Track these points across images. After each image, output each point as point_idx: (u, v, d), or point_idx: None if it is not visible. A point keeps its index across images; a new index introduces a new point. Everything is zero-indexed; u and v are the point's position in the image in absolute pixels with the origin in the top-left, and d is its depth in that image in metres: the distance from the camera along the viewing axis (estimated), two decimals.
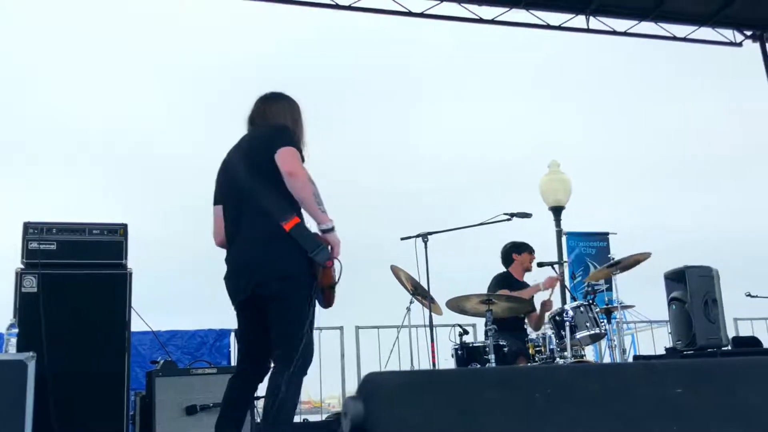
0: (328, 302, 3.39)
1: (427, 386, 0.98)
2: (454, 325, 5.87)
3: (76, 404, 4.36)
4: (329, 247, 3.25)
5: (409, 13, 8.71)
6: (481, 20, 8.94)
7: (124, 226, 4.80)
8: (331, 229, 3.26)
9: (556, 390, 1.01)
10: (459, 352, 5.52)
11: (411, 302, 5.75)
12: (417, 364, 5.84)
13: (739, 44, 9.89)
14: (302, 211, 3.29)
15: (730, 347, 6.63)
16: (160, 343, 6.31)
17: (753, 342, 7.03)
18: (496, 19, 8.98)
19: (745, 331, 9.04)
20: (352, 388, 8.14)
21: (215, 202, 3.55)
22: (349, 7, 8.48)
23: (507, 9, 8.93)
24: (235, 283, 3.33)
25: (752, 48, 9.85)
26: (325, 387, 8.37)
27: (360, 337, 8.30)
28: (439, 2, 8.68)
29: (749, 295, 7.13)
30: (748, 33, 9.84)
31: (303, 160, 3.34)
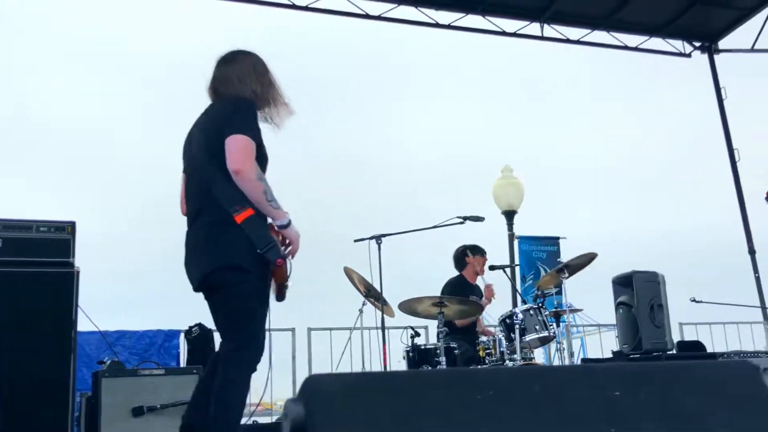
0: (280, 297, 3.29)
1: (368, 388, 0.99)
2: (406, 328, 5.89)
3: (20, 405, 4.26)
4: (284, 243, 3.17)
5: (366, 16, 8.72)
6: (437, 25, 9.01)
7: (72, 224, 4.69)
8: (287, 225, 3.14)
9: (497, 392, 1.02)
10: (410, 354, 5.53)
11: (363, 304, 5.75)
12: (369, 366, 5.84)
13: (688, 55, 10.15)
14: None
15: (675, 351, 6.79)
16: (107, 343, 6.20)
17: (697, 346, 7.18)
18: (452, 25, 9.07)
19: (689, 335, 9.23)
20: None
21: (183, 170, 3.41)
22: (306, 8, 8.46)
23: (464, 14, 9.02)
24: (188, 270, 3.21)
25: (701, 59, 10.11)
26: (276, 389, 8.31)
27: (312, 338, 8.27)
28: (396, 5, 8.71)
29: (694, 301, 7.29)
30: (697, 44, 10.10)
31: (260, 144, 3.14)
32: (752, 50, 9.78)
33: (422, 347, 5.58)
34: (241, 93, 3.26)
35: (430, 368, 5.31)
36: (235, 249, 3.02)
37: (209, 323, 6.55)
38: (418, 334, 5.75)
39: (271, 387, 8.24)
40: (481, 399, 0.99)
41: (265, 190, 3.04)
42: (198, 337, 6.41)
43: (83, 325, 4.79)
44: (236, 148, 2.99)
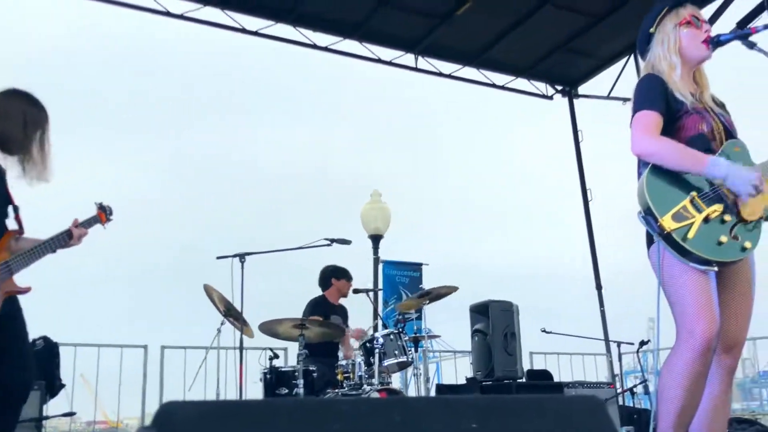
0: None
1: (226, 417, 0.95)
2: (264, 349, 5.80)
3: None
4: None
5: (243, 30, 8.62)
6: (314, 46, 9.03)
7: None
8: None
9: (357, 422, 1.01)
10: (268, 376, 5.44)
11: (222, 323, 5.61)
12: (224, 387, 5.68)
13: (550, 97, 10.71)
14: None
15: (524, 379, 7.06)
16: None
17: (545, 375, 7.50)
18: (330, 47, 9.11)
19: (538, 364, 9.64)
20: (152, 410, 7.79)
21: None
22: (181, 16, 8.26)
23: (341, 38, 9.09)
24: None
25: (562, 102, 10.69)
26: (123, 407, 7.94)
27: (165, 357, 7.98)
28: (274, 23, 8.67)
29: (544, 331, 7.61)
30: (559, 88, 10.68)
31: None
32: (608, 97, 10.46)
33: (280, 369, 5.51)
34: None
35: (286, 391, 5.24)
36: None
37: (56, 336, 6.20)
38: (276, 356, 5.67)
39: (119, 405, 7.91)
40: (340, 428, 0.98)
41: None
42: (42, 350, 6.04)
43: None
44: None
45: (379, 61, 9.50)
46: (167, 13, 8.20)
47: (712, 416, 2.65)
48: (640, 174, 2.69)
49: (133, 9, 8.11)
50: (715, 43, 2.80)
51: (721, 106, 2.86)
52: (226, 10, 8.41)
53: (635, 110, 2.73)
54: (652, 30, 2.88)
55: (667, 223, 2.49)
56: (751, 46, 2.79)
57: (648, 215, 2.55)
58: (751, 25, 6.46)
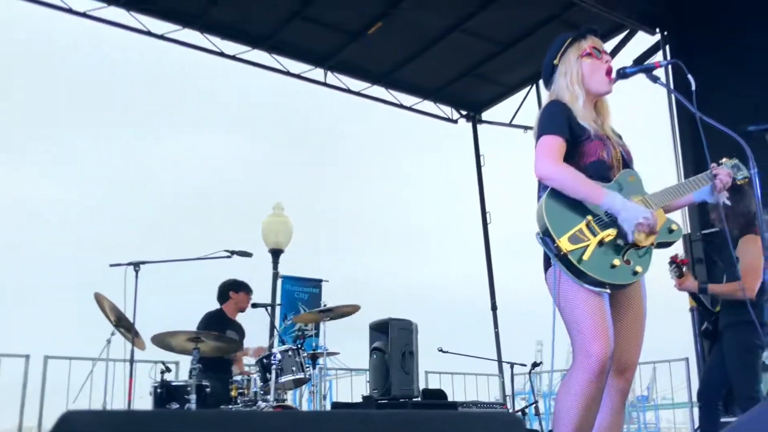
0: None
1: (126, 427, 0.88)
2: (156, 362, 5.58)
3: None
4: None
5: (149, 33, 8.38)
6: (222, 54, 8.88)
7: None
8: None
9: None
10: (158, 390, 5.23)
11: (113, 334, 5.37)
12: (110, 400, 5.43)
13: (455, 121, 10.92)
14: None
15: (420, 399, 7.08)
16: None
17: (440, 395, 7.56)
18: (237, 57, 8.98)
19: (433, 383, 9.71)
20: (31, 423, 7.37)
21: None
22: (84, 14, 7.95)
23: (250, 48, 8.98)
24: None
25: (466, 126, 10.92)
26: None
27: (48, 367, 7.57)
28: (182, 28, 8.48)
29: (441, 350, 7.67)
30: (464, 112, 10.91)
31: None
32: (510, 124, 10.75)
33: (171, 384, 5.31)
34: None
35: (177, 406, 5.06)
36: None
37: None
38: (168, 370, 5.48)
39: None
40: None
41: None
42: None
43: None
44: None
45: (288, 73, 9.45)
46: (69, 10, 7.88)
47: None
48: (539, 196, 2.76)
49: (33, 2, 7.75)
50: (621, 75, 2.90)
51: (619, 136, 2.97)
52: (131, 11, 8.16)
53: (540, 134, 2.79)
54: (555, 62, 2.96)
55: (564, 244, 2.56)
56: (655, 79, 2.92)
57: (546, 236, 2.62)
58: (655, 60, 6.80)
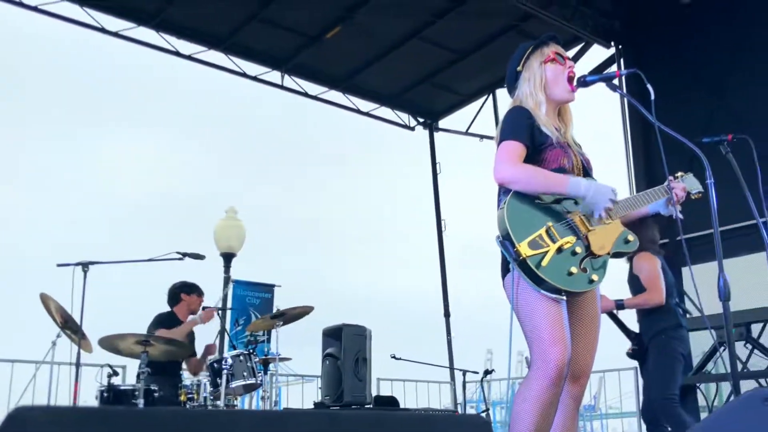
0: None
1: (82, 424, 0.83)
2: (103, 365, 5.43)
3: None
4: None
5: (103, 30, 8.21)
6: (178, 54, 8.74)
7: None
8: None
9: None
10: (105, 394, 5.10)
11: (58, 336, 5.20)
12: (54, 404, 5.25)
13: (412, 128, 10.94)
14: None
15: (372, 405, 7.04)
16: None
17: (392, 401, 7.53)
18: (193, 56, 8.85)
19: (385, 390, 9.67)
20: None
21: None
22: (36, 9, 7.74)
23: (206, 49, 8.86)
24: None
25: (423, 134, 10.94)
26: None
27: None
28: (136, 26, 8.33)
29: (394, 357, 7.65)
30: (421, 120, 10.93)
31: None
32: (466, 133, 10.81)
33: (119, 388, 5.18)
34: None
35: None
36: None
37: None
38: (116, 373, 5.34)
39: None
40: None
41: None
42: None
43: None
44: None
45: (244, 75, 9.34)
46: (20, 3, 7.67)
47: None
48: (500, 202, 2.76)
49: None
50: (582, 83, 2.92)
51: (579, 146, 2.99)
52: (85, 7, 7.98)
53: (501, 140, 2.79)
54: (519, 68, 2.98)
55: (524, 249, 2.56)
56: (614, 88, 2.95)
57: (506, 240, 2.62)
58: (616, 69, 6.93)
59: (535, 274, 2.56)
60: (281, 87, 9.61)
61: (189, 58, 8.79)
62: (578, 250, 2.65)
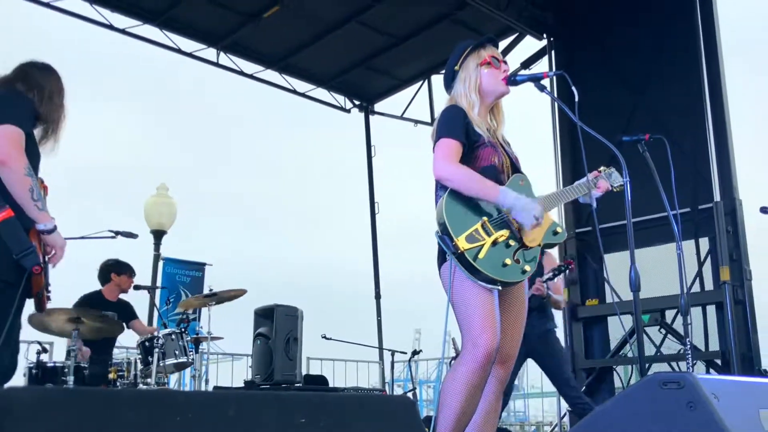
0: (39, 307, 2.99)
1: (63, 404, 0.91)
2: (32, 342, 5.39)
3: None
4: (46, 250, 2.89)
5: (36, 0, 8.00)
6: (111, 27, 8.57)
7: None
8: (52, 230, 2.88)
9: (195, 414, 1.02)
10: (34, 371, 5.07)
11: None
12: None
13: (348, 111, 11.00)
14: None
15: (301, 384, 7.16)
16: None
17: (321, 380, 7.66)
18: (127, 30, 8.69)
19: (315, 369, 9.80)
20: None
21: None
22: None
23: (140, 23, 8.71)
24: None
25: (359, 116, 11.03)
26: None
27: None
28: None
29: (324, 337, 7.77)
30: (357, 102, 11.01)
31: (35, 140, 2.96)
32: (401, 117, 10.94)
33: (47, 365, 5.15)
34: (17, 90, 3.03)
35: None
36: None
37: None
38: (45, 350, 5.32)
39: None
40: (180, 421, 0.98)
41: (31, 187, 2.78)
42: None
43: None
44: (3, 136, 2.75)
45: (179, 51, 9.22)
46: None
47: (484, 423, 2.90)
48: (437, 196, 2.89)
49: None
50: (511, 82, 3.07)
51: (508, 144, 3.15)
52: None
53: (438, 137, 2.91)
54: (457, 67, 3.11)
55: (462, 243, 2.71)
56: (542, 88, 3.12)
57: (445, 234, 2.76)
58: (544, 70, 7.13)
59: (472, 265, 2.71)
60: (216, 64, 9.52)
61: (123, 32, 8.62)
62: (512, 243, 2.81)
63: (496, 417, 3.00)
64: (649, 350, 7.59)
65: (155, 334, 5.61)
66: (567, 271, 5.39)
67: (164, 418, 0.99)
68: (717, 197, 7.54)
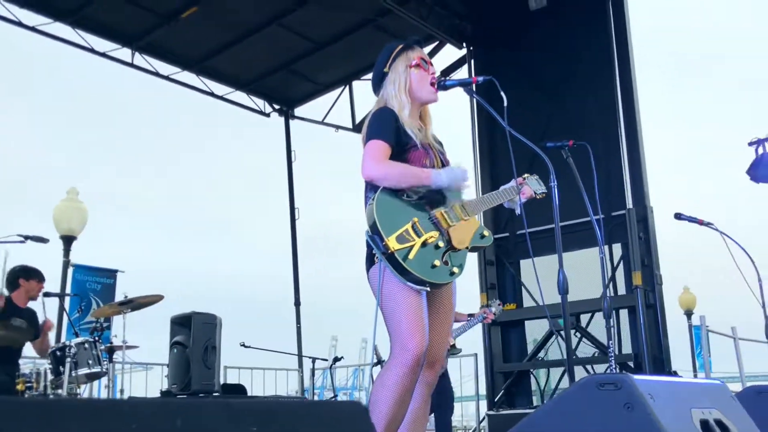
0: None
1: (5, 414, 0.83)
2: None
3: None
4: None
5: None
6: (21, 24, 8.20)
7: None
8: None
9: (140, 425, 0.95)
10: None
11: None
12: None
13: (268, 115, 10.88)
14: None
15: (219, 393, 7.00)
16: None
17: (240, 389, 7.53)
18: (37, 28, 8.34)
19: (233, 378, 9.61)
20: None
21: None
22: None
23: (52, 21, 8.37)
24: None
25: (279, 120, 10.91)
26: None
27: None
28: None
29: (243, 345, 7.64)
30: (277, 107, 10.89)
31: None
32: (322, 122, 10.89)
33: None
34: None
35: None
36: None
37: None
38: None
39: None
40: (122, 430, 0.91)
41: None
42: None
43: None
44: None
45: (92, 51, 8.91)
46: None
47: (413, 427, 2.88)
48: (367, 198, 2.86)
49: None
50: (440, 87, 3.08)
51: (440, 143, 3.16)
52: None
53: (368, 139, 2.89)
54: (386, 69, 3.09)
55: (392, 243, 2.69)
56: (471, 93, 3.14)
57: (375, 235, 2.73)
58: (474, 76, 7.22)
59: (401, 266, 2.68)
60: (131, 65, 9.24)
61: (33, 29, 8.27)
62: (441, 244, 2.80)
63: (425, 421, 2.98)
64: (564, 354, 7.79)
65: (67, 343, 5.37)
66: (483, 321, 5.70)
67: (111, 429, 0.92)
68: (629, 204, 7.80)
